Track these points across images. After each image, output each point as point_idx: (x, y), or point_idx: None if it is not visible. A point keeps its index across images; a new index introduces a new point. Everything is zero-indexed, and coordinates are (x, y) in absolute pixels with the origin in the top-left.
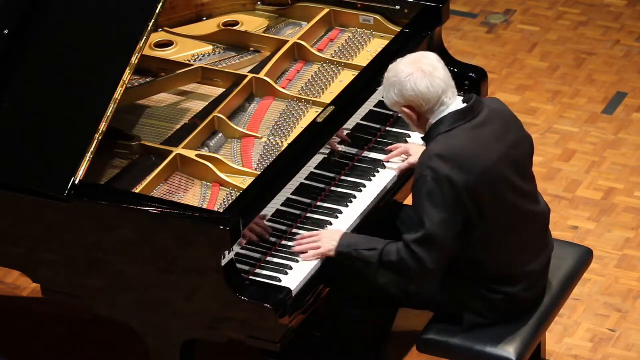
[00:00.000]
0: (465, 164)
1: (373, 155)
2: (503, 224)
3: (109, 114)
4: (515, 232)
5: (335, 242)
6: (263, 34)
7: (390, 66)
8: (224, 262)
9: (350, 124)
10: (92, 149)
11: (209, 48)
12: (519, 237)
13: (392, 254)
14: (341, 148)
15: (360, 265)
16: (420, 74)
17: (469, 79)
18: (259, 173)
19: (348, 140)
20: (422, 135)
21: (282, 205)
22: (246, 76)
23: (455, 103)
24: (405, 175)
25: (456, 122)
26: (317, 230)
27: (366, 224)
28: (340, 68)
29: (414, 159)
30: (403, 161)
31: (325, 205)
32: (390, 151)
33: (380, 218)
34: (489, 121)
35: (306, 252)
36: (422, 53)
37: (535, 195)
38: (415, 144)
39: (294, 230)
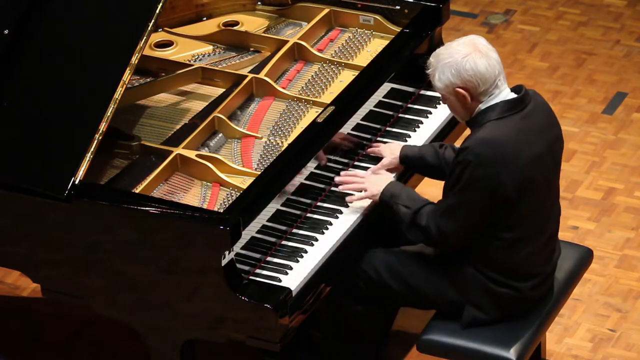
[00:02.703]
0: (511, 155)
1: (373, 155)
2: (530, 221)
3: (109, 114)
4: (539, 232)
5: (381, 189)
6: (263, 34)
7: (439, 50)
8: (224, 262)
9: (350, 124)
10: (92, 149)
11: (209, 48)
12: (540, 237)
13: (423, 217)
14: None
15: (395, 218)
16: (478, 54)
17: None
18: (259, 173)
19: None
20: (467, 120)
21: (282, 205)
22: (246, 76)
23: (505, 91)
24: (404, 176)
25: (507, 111)
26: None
27: (366, 223)
28: (340, 68)
29: (388, 160)
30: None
31: (325, 205)
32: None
33: (380, 218)
34: (535, 113)
35: (350, 190)
36: (472, 36)
37: (558, 195)
38: (388, 145)
39: (294, 230)
